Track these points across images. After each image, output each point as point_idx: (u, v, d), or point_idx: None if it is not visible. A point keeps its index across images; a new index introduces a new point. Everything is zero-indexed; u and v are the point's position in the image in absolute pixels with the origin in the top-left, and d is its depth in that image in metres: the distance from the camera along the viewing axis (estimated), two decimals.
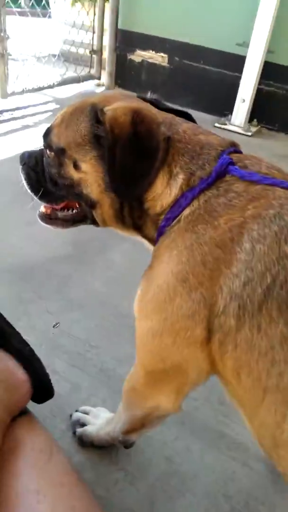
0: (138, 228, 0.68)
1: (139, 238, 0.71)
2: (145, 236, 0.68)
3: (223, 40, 2.79)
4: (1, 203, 1.55)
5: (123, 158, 0.59)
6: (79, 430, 0.82)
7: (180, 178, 0.60)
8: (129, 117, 0.60)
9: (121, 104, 0.63)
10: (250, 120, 2.88)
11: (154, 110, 0.67)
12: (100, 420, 0.82)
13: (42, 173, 0.72)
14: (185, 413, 0.89)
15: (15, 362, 0.70)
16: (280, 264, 0.50)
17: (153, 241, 0.65)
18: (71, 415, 0.85)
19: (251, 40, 2.58)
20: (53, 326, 1.08)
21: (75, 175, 0.66)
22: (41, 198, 0.73)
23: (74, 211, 0.74)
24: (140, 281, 0.63)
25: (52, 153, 0.69)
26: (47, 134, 0.70)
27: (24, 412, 0.70)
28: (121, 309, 1.16)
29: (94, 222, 0.72)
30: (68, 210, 0.75)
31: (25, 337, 0.72)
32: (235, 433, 0.88)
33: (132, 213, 0.66)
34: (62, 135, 0.67)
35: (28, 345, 0.73)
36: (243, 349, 0.51)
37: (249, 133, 2.77)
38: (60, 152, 0.67)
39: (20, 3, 4.04)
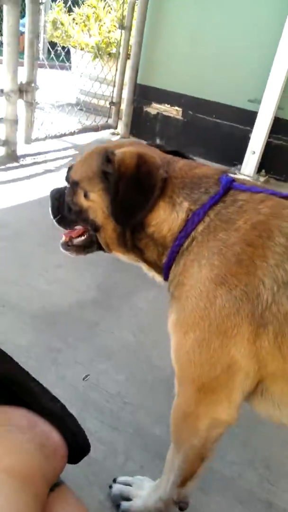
0: (139, 251, 0.76)
1: (138, 263, 0.79)
2: (145, 260, 0.76)
3: (235, 96, 2.94)
4: (28, 246, 1.55)
5: (125, 192, 0.70)
6: (124, 504, 0.74)
7: (185, 205, 0.68)
8: (134, 159, 0.70)
9: (130, 148, 0.74)
10: (259, 170, 2.97)
11: (157, 153, 0.77)
12: (146, 490, 0.75)
13: (62, 202, 0.85)
14: (227, 479, 0.83)
15: (49, 425, 0.64)
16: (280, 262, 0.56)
17: (153, 265, 0.75)
18: (110, 486, 0.78)
19: (263, 97, 2.72)
20: (83, 379, 1.03)
21: (84, 203, 0.78)
22: (58, 221, 0.86)
23: (84, 237, 0.86)
24: (170, 310, 0.66)
25: (69, 185, 0.82)
26: (68, 170, 0.83)
27: (57, 484, 0.62)
28: (152, 360, 1.12)
29: (100, 247, 0.83)
30: (80, 237, 0.87)
31: (54, 390, 0.68)
32: (284, 502, 0.82)
33: (133, 237, 0.74)
34: (78, 171, 0.80)
35: (58, 401, 0.68)
36: None
37: (258, 183, 2.85)
38: (75, 184, 0.79)
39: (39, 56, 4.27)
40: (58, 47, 3.42)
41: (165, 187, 0.70)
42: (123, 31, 2.96)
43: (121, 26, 2.95)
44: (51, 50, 3.24)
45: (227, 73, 2.92)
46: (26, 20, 2.06)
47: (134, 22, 3.01)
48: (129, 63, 3.09)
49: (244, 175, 2.94)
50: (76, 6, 3.78)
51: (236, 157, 3.04)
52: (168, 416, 0.95)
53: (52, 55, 3.38)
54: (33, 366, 1.02)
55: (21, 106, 2.32)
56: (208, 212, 0.64)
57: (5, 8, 1.89)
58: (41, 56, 5.93)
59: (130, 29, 2.99)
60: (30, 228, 1.68)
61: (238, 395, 0.61)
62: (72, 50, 3.86)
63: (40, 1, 2.01)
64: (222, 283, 0.58)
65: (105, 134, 3.26)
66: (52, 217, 0.88)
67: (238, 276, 0.57)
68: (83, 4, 3.79)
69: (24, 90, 2.25)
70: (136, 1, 2.90)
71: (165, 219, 0.69)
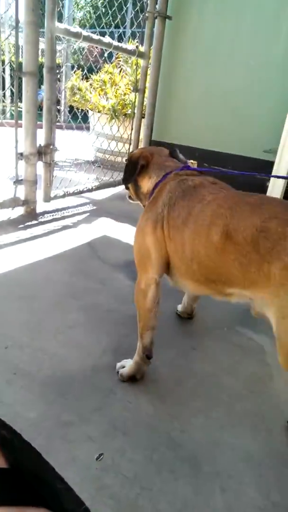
0: (140, 199, 1.37)
1: (141, 205, 1.39)
2: (142, 201, 1.37)
3: (250, 147, 2.98)
4: (43, 306, 1.51)
5: (126, 169, 1.33)
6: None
7: (154, 178, 1.27)
8: (136, 155, 1.33)
9: (141, 149, 1.39)
10: None
11: (159, 152, 1.36)
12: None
13: None
14: None
15: None
16: (171, 200, 1.11)
17: (144, 203, 1.33)
18: None
19: (279, 147, 2.74)
20: (96, 459, 0.93)
21: None
22: (124, 184, 1.43)
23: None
24: None
25: None
26: None
27: None
28: (172, 435, 1.01)
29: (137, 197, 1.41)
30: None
31: (64, 473, 0.59)
32: None
33: (138, 192, 1.35)
34: None
35: (83, 504, 0.59)
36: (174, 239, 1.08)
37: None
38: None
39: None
40: (77, 110, 3.63)
41: (148, 168, 1.30)
42: (137, 93, 3.11)
43: (135, 89, 3.11)
44: (67, 113, 3.41)
45: (240, 126, 2.99)
46: (44, 88, 2.19)
47: (148, 85, 3.18)
48: (144, 121, 3.21)
49: None
50: (92, 73, 4.05)
51: None
52: (192, 507, 0.83)
53: (69, 117, 3.57)
54: (41, 445, 0.94)
55: (40, 166, 2.41)
56: (162, 182, 1.22)
57: (24, 79, 2.02)
58: (63, 118, 6.35)
59: (144, 91, 3.14)
60: (46, 286, 1.66)
61: (156, 264, 1.13)
62: (90, 112, 4.09)
63: (57, 71, 2.14)
64: (149, 208, 1.18)
65: (122, 189, 3.32)
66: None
67: (154, 205, 1.16)
68: (100, 71, 4.07)
69: (43, 152, 2.34)
70: (149, 65, 3.08)
71: (146, 184, 1.30)
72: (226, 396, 1.18)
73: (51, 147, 2.35)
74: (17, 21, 1.86)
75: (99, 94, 3.96)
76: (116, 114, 3.68)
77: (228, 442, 1.02)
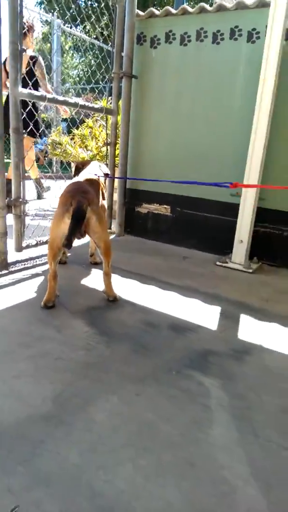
0: None
1: None
2: None
3: (218, 192, 3.11)
4: None
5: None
6: None
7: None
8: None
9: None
10: (251, 257, 2.98)
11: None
12: None
13: None
14: None
15: None
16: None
17: None
18: None
19: (243, 191, 2.86)
20: (11, 511, 0.93)
21: None
22: None
23: None
24: None
25: None
26: None
27: None
28: (95, 486, 1.01)
29: None
30: None
31: None
32: None
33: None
34: None
35: None
36: None
37: (250, 270, 2.84)
38: None
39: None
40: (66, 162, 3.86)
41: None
42: (108, 146, 3.31)
43: (106, 143, 3.31)
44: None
45: (207, 172, 3.14)
46: (11, 147, 2.35)
47: (120, 137, 3.38)
48: (117, 172, 3.38)
49: (235, 263, 2.96)
50: (73, 127, 4.31)
51: (226, 247, 3.10)
52: None
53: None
54: None
55: (11, 218, 2.52)
56: None
57: None
58: (54, 169, 6.60)
59: (115, 144, 3.34)
60: (1, 337, 1.69)
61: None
62: (72, 164, 4.31)
63: (21, 132, 2.32)
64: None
65: None
66: None
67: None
68: (81, 125, 4.33)
69: (13, 205, 2.47)
70: (118, 121, 3.29)
71: None
72: (160, 444, 1.18)
73: (20, 200, 2.48)
74: None
75: (80, 147, 4.19)
76: None
77: (150, 492, 1.01)
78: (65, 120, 6.71)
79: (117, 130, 3.34)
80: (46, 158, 9.30)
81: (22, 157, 2.41)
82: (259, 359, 1.68)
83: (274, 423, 1.29)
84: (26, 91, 2.30)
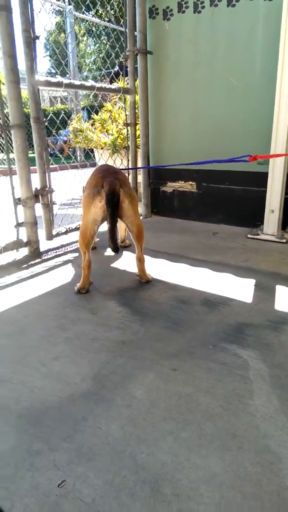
0: None
1: None
2: None
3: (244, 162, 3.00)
4: (30, 341, 1.58)
5: None
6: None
7: None
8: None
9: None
10: (283, 227, 2.88)
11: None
12: None
13: None
14: None
15: None
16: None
17: None
18: None
19: (271, 159, 2.74)
20: (58, 486, 0.96)
21: None
22: None
23: None
24: None
25: None
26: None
27: None
28: (138, 459, 1.02)
29: None
30: None
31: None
32: None
33: None
34: None
35: None
36: None
37: (284, 240, 2.74)
38: None
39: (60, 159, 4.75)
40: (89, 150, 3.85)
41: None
42: (128, 127, 3.26)
43: (126, 124, 3.26)
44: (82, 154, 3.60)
45: (230, 143, 3.03)
46: (33, 136, 2.36)
47: (140, 117, 3.32)
48: (140, 152, 3.34)
49: (267, 234, 2.86)
50: (93, 113, 4.28)
51: (257, 219, 3.01)
52: None
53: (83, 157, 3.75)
54: (7, 476, 0.99)
55: (40, 208, 2.56)
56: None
57: (12, 131, 2.20)
58: (78, 158, 6.63)
59: (135, 124, 3.28)
60: (37, 321, 1.74)
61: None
62: (94, 150, 4.30)
63: (42, 121, 2.32)
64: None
65: None
66: None
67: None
68: (100, 110, 4.30)
69: (40, 195, 2.50)
70: (137, 100, 3.23)
71: None
72: (200, 416, 1.17)
73: (47, 189, 2.50)
74: None
75: (101, 132, 4.16)
76: (117, 148, 3.84)
77: (193, 463, 1.01)
78: (84, 108, 6.69)
79: (136, 110, 3.28)
80: (70, 149, 9.36)
81: (45, 146, 2.42)
82: None
83: None
84: (43, 78, 2.29)
